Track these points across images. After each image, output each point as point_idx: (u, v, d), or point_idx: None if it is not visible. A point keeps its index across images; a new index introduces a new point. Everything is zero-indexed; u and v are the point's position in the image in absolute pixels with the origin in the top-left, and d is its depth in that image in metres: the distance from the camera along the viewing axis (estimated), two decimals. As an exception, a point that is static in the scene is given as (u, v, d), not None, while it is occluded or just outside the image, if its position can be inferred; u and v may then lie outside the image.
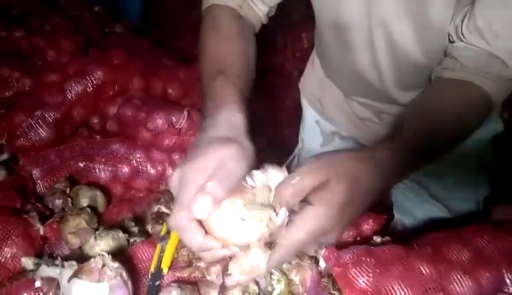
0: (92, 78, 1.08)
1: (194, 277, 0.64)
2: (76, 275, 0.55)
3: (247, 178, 0.59)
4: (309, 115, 1.10)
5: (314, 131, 1.09)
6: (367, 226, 0.84)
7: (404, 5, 0.71)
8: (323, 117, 1.06)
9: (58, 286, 0.60)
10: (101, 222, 0.84)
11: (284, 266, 0.64)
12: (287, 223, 0.56)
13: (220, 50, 0.72)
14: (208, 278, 0.62)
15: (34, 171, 0.97)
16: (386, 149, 0.57)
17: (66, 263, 0.59)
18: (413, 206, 1.02)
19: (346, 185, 0.52)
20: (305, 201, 0.55)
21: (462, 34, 0.66)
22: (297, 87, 2.42)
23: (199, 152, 0.56)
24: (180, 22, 3.02)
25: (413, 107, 0.68)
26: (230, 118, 0.61)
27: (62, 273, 0.59)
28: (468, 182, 0.94)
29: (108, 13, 2.11)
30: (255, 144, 1.21)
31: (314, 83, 1.05)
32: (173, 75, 1.30)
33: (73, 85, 1.07)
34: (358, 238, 0.77)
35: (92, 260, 0.56)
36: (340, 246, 0.62)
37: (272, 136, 2.41)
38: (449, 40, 0.71)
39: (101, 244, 0.68)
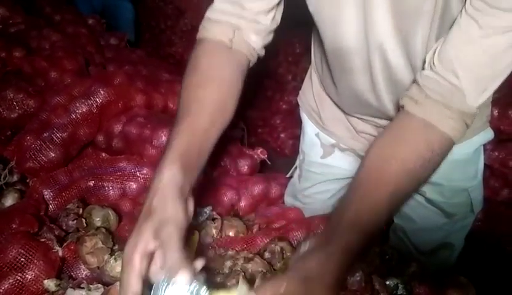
0: (96, 98, 1.11)
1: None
2: (103, 298, 0.59)
3: None
4: (309, 129, 1.13)
5: (314, 143, 1.13)
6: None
7: (394, 35, 0.74)
8: (322, 130, 1.10)
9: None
10: (115, 240, 0.87)
11: None
12: None
13: (187, 97, 0.74)
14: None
15: (46, 192, 1.00)
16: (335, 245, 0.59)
17: (92, 286, 0.62)
18: (411, 212, 1.06)
19: None
20: None
21: (433, 62, 0.69)
22: (291, 91, 2.47)
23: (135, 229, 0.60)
24: (172, 28, 3.05)
25: (367, 168, 0.69)
26: (158, 182, 0.64)
27: (89, 296, 0.62)
28: (462, 187, 0.99)
29: (102, 25, 2.14)
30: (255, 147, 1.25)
31: (312, 98, 1.08)
32: (172, 89, 1.33)
33: (78, 105, 1.10)
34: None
35: (118, 283, 0.60)
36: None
37: (269, 141, 2.45)
38: (422, 67, 0.74)
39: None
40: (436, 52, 0.69)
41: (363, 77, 0.85)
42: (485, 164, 1.72)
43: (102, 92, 1.12)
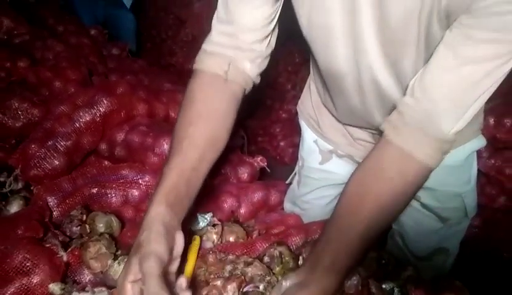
0: (99, 108, 1.14)
1: (211, 296, 0.70)
2: (108, 300, 0.61)
3: None
4: (308, 136, 1.16)
5: (312, 150, 1.16)
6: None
7: (384, 57, 0.76)
8: (320, 137, 1.13)
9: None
10: (118, 245, 0.89)
11: None
12: None
13: (179, 134, 0.76)
14: (224, 295, 0.68)
15: (50, 199, 1.02)
16: (326, 272, 0.68)
17: (96, 290, 0.64)
18: (407, 217, 1.08)
19: None
20: None
21: (413, 88, 0.70)
22: (291, 100, 2.50)
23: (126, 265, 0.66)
24: (173, 38, 3.08)
25: (347, 202, 0.74)
26: (146, 220, 0.68)
27: (93, 298, 0.64)
28: (455, 192, 1.01)
29: (104, 35, 2.18)
30: (255, 156, 1.28)
31: (311, 107, 1.11)
32: (173, 99, 1.36)
33: (82, 114, 1.12)
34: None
35: (121, 286, 0.62)
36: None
37: (269, 149, 2.47)
38: (404, 92, 0.75)
39: (125, 269, 0.74)
40: (417, 79, 0.70)
41: (355, 95, 0.88)
42: (481, 172, 1.75)
43: (105, 101, 1.14)
